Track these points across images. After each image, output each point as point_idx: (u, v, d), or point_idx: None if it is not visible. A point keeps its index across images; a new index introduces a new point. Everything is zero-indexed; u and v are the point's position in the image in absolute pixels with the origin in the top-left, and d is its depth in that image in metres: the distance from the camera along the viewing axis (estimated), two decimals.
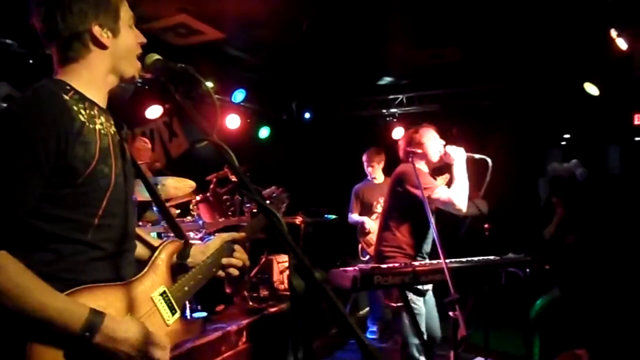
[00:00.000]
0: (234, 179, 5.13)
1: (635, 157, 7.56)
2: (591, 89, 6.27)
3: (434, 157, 3.48)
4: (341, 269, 3.04)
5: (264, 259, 5.73)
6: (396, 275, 2.95)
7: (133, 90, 5.38)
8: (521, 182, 8.06)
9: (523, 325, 4.39)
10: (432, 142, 3.51)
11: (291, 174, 7.83)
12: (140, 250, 1.65)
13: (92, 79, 1.46)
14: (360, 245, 5.68)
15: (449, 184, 3.46)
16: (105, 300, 1.34)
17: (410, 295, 3.37)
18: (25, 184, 1.26)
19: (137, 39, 1.55)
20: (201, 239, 4.57)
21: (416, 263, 3.25)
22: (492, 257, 3.39)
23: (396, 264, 3.16)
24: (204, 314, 4.26)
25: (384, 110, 8.06)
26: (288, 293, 5.11)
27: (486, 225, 4.17)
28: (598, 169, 7.91)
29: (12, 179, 1.25)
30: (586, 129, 7.68)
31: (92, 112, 1.42)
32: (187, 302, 4.09)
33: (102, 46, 1.46)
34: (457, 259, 3.21)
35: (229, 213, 5.26)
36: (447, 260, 2.80)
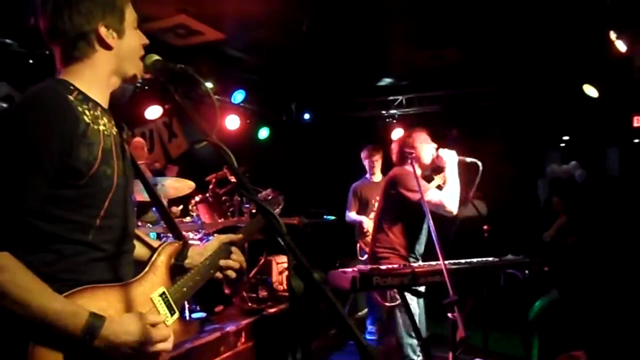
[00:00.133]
0: (233, 179, 5.13)
1: (634, 159, 7.57)
2: (590, 90, 6.28)
3: (427, 160, 3.55)
4: (340, 270, 3.05)
5: (262, 260, 5.72)
6: (395, 277, 2.95)
7: (132, 91, 5.38)
8: (520, 184, 8.07)
9: (522, 326, 4.40)
10: (425, 145, 3.58)
11: (290, 175, 7.83)
12: (140, 251, 1.65)
13: (96, 79, 1.46)
14: (358, 245, 5.68)
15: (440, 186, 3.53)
16: (106, 300, 1.34)
17: (407, 297, 3.38)
18: (29, 184, 1.26)
19: (140, 41, 1.55)
20: (200, 239, 4.57)
21: (415, 264, 3.26)
22: (491, 259, 3.40)
23: (395, 265, 3.17)
24: (203, 314, 4.25)
25: (384, 112, 8.06)
26: (287, 294, 5.15)
27: (485, 227, 4.17)
28: (597, 170, 7.92)
29: (15, 180, 1.25)
30: (585, 130, 7.69)
31: (96, 113, 1.42)
32: (186, 303, 4.09)
33: (108, 47, 1.46)
34: (456, 261, 3.22)
35: (228, 213, 5.25)
36: (446, 262, 2.80)
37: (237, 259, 1.78)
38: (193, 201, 5.09)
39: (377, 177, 5.72)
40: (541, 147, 8.35)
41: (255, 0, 4.72)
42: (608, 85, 6.24)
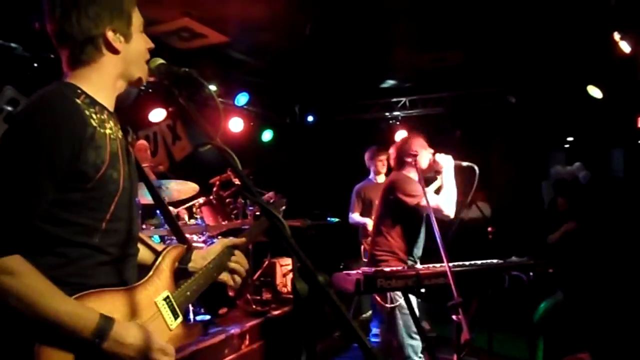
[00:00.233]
0: (237, 182, 5.14)
1: (639, 159, 7.54)
2: (594, 91, 6.26)
3: (425, 165, 3.62)
4: (344, 272, 3.05)
5: (266, 262, 5.73)
6: (399, 279, 2.95)
7: (137, 94, 5.40)
8: (524, 185, 8.05)
9: (527, 328, 4.38)
10: (423, 151, 3.64)
11: (294, 177, 7.84)
12: (144, 254, 1.65)
13: (102, 83, 1.47)
14: (362, 247, 5.68)
15: (437, 190, 3.62)
16: (112, 304, 1.35)
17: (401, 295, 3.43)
18: (38, 188, 1.27)
19: (146, 45, 1.56)
20: (204, 241, 4.58)
21: (420, 266, 3.27)
22: (495, 261, 3.39)
23: (399, 267, 3.18)
24: (207, 317, 4.26)
25: (387, 113, 8.06)
26: (291, 296, 5.14)
27: (489, 229, 4.17)
28: (601, 171, 7.89)
29: (25, 183, 1.25)
30: (589, 131, 7.66)
31: (103, 117, 1.43)
32: (190, 305, 4.09)
33: (115, 51, 1.46)
34: (460, 263, 3.22)
35: (232, 216, 5.26)
36: (450, 264, 2.80)
37: (240, 262, 1.79)
38: (197, 204, 5.10)
39: (382, 178, 5.72)
40: (545, 148, 8.33)
41: (259, 3, 4.73)
42: (612, 86, 6.22)
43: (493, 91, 7.25)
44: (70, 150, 1.29)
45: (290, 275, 5.69)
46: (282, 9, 4.82)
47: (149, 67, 1.55)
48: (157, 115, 6.02)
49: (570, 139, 8.45)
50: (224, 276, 1.78)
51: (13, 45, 4.41)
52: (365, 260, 5.53)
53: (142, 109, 5.83)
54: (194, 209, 5.11)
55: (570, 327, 4.04)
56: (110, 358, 1.29)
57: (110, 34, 1.44)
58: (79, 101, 1.36)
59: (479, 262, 3.34)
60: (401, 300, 3.43)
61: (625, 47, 4.98)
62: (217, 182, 5.32)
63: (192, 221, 4.97)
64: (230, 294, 4.90)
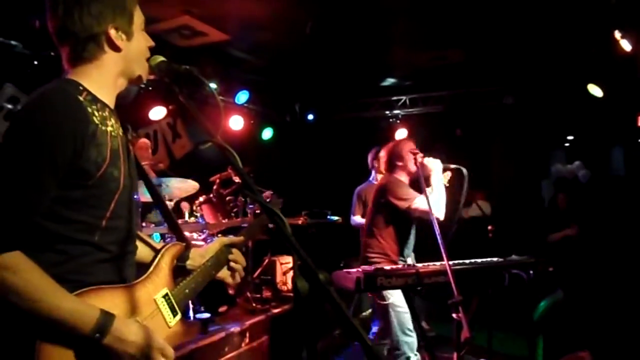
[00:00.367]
0: (237, 180, 5.14)
1: (639, 158, 7.53)
2: (595, 90, 6.26)
3: (414, 168, 3.69)
4: (345, 270, 3.06)
5: (267, 260, 5.73)
6: (400, 277, 2.96)
7: (137, 92, 5.39)
8: (524, 184, 8.06)
9: (527, 327, 4.39)
10: (412, 154, 3.71)
11: (294, 176, 7.84)
12: (142, 252, 1.65)
13: (103, 80, 1.47)
14: None
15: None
16: (111, 301, 1.35)
17: (396, 294, 3.49)
18: (40, 185, 1.27)
19: (146, 43, 1.56)
20: (204, 239, 4.58)
21: (419, 265, 3.27)
22: (495, 259, 3.39)
23: (399, 266, 3.18)
24: (207, 315, 4.26)
25: (387, 112, 8.05)
26: (291, 294, 5.13)
27: (489, 227, 4.18)
28: (602, 170, 7.89)
29: (27, 180, 1.25)
30: (590, 130, 7.66)
31: (104, 114, 1.43)
32: (190, 303, 4.09)
33: (117, 49, 1.46)
34: (460, 261, 3.22)
35: (232, 214, 5.26)
36: (451, 262, 2.80)
37: (238, 260, 1.81)
38: (197, 202, 5.10)
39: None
40: (545, 146, 8.33)
41: (259, 1, 4.73)
42: (613, 84, 6.22)
43: (493, 90, 7.24)
44: (72, 147, 1.29)
45: (291, 273, 5.69)
46: (282, 7, 4.82)
47: (150, 65, 1.55)
48: (158, 113, 6.02)
49: (570, 137, 8.46)
50: (223, 274, 1.79)
51: (13, 42, 4.41)
52: None
53: (142, 106, 5.83)
54: (194, 207, 5.11)
55: (570, 326, 4.05)
56: (110, 354, 1.29)
57: (112, 32, 1.44)
58: (81, 98, 1.36)
59: (479, 260, 3.34)
60: (393, 299, 3.51)
61: (626, 45, 4.98)
62: (218, 180, 5.32)
63: (192, 219, 4.97)
64: (231, 292, 4.90)
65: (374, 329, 5.72)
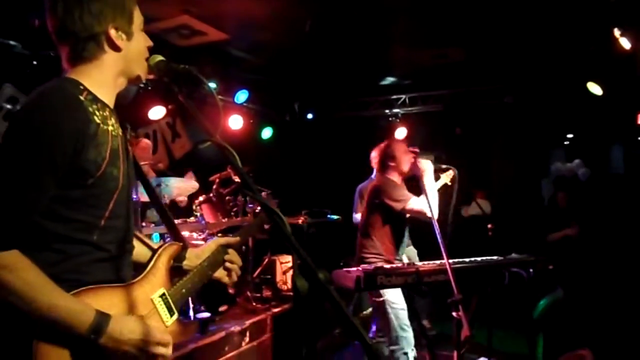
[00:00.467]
0: (237, 179, 5.13)
1: (638, 156, 7.54)
2: (594, 88, 6.25)
3: (406, 169, 3.78)
4: (344, 269, 3.06)
5: (267, 260, 5.73)
6: (400, 276, 2.96)
7: (136, 91, 5.39)
8: (524, 182, 8.06)
9: (526, 325, 4.39)
10: (404, 155, 3.79)
11: (294, 175, 7.84)
12: (139, 251, 1.66)
13: (103, 80, 1.47)
14: None
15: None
16: (109, 301, 1.36)
17: (391, 290, 3.52)
18: (40, 184, 1.27)
19: (145, 43, 1.57)
20: (204, 239, 4.57)
21: (420, 263, 3.28)
22: (495, 258, 3.40)
23: (399, 264, 3.19)
24: (207, 314, 4.26)
25: (387, 111, 8.04)
26: (291, 293, 5.13)
27: (489, 225, 4.18)
28: (601, 168, 7.90)
29: (26, 179, 1.26)
30: (589, 128, 7.67)
31: (105, 114, 1.43)
32: (190, 303, 4.10)
33: (117, 48, 1.46)
34: (460, 259, 3.23)
35: (232, 213, 5.26)
36: (451, 261, 2.81)
37: (234, 260, 1.83)
38: (197, 201, 5.10)
39: None
40: (545, 145, 8.34)
41: (258, 0, 4.72)
42: (612, 83, 6.22)
43: (493, 89, 7.24)
44: (72, 146, 1.29)
45: (291, 273, 5.69)
46: (281, 6, 4.81)
47: (149, 64, 1.55)
48: (157, 112, 6.01)
49: (570, 135, 8.46)
50: (219, 274, 1.81)
51: (12, 42, 4.40)
52: None
53: (141, 106, 5.82)
54: (194, 207, 5.11)
55: (570, 324, 4.05)
56: (107, 353, 1.30)
57: (112, 32, 1.44)
58: (82, 97, 1.37)
59: (479, 258, 3.35)
60: (388, 295, 3.56)
61: (626, 43, 4.98)
62: (217, 180, 5.32)
63: (192, 219, 4.97)
64: (231, 291, 4.90)
65: (374, 327, 5.74)
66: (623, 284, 4.68)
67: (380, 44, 5.96)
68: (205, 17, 5.04)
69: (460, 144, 7.57)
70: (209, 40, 5.62)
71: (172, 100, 5.83)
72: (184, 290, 1.63)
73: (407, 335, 3.53)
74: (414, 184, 3.70)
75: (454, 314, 2.61)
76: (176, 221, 4.90)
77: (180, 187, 4.74)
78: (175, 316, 1.55)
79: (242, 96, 7.02)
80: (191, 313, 4.09)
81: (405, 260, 4.16)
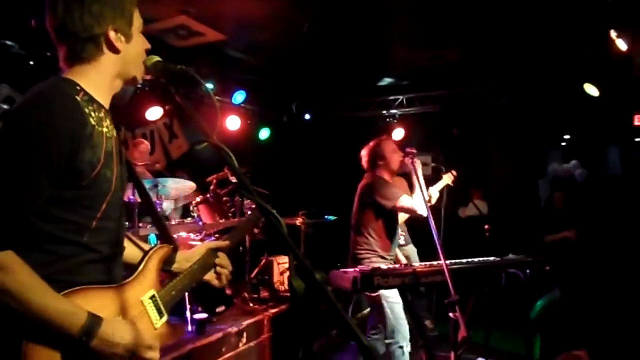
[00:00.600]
0: (234, 180, 5.12)
1: (635, 158, 7.56)
2: (591, 90, 6.27)
3: (396, 167, 3.88)
4: (342, 270, 3.07)
5: (264, 261, 5.72)
6: (397, 277, 2.97)
7: (133, 92, 5.38)
8: (521, 183, 8.07)
9: (524, 326, 4.39)
10: (394, 154, 3.87)
11: (291, 176, 7.84)
12: (130, 252, 1.66)
13: (101, 81, 1.46)
14: None
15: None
16: (99, 302, 1.36)
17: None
18: (36, 185, 1.27)
19: (144, 46, 1.56)
20: (202, 240, 4.57)
21: (417, 264, 3.29)
22: (492, 259, 3.41)
23: (397, 266, 3.19)
24: (205, 315, 4.25)
25: (385, 112, 8.06)
26: (288, 294, 5.12)
27: (486, 227, 4.19)
28: (598, 170, 7.91)
29: (23, 179, 1.25)
30: (586, 130, 7.68)
31: (100, 115, 1.43)
32: (188, 304, 4.09)
33: (116, 51, 1.46)
34: (458, 260, 3.23)
35: (230, 214, 5.26)
36: (448, 262, 2.81)
37: (225, 264, 1.84)
38: (194, 202, 5.09)
39: None
40: (542, 146, 8.35)
41: (256, 1, 4.72)
42: (609, 84, 6.23)
43: (491, 90, 7.25)
44: (69, 147, 1.29)
45: (288, 274, 5.68)
46: (279, 7, 4.82)
47: (146, 65, 1.55)
48: (154, 113, 6.00)
49: (567, 137, 8.47)
50: (209, 277, 1.83)
51: (9, 43, 4.39)
52: None
53: (138, 107, 5.81)
54: (191, 208, 5.10)
55: (567, 325, 4.06)
56: (98, 355, 1.30)
57: (112, 34, 1.44)
58: (78, 98, 1.36)
59: (476, 260, 3.36)
60: (383, 290, 3.54)
61: (622, 45, 4.99)
62: (215, 181, 5.31)
63: (190, 220, 4.96)
64: (228, 292, 4.90)
65: (369, 326, 5.74)
66: (620, 285, 4.69)
67: (378, 45, 5.96)
68: (203, 18, 5.04)
69: (458, 145, 7.58)
70: (206, 41, 5.62)
71: (169, 101, 5.73)
72: (174, 293, 1.64)
73: (403, 330, 3.57)
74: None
75: (451, 314, 2.62)
76: (173, 222, 4.92)
77: (177, 187, 4.73)
78: (165, 318, 1.56)
79: (239, 97, 7.02)
80: (188, 314, 4.09)
81: (402, 258, 4.23)
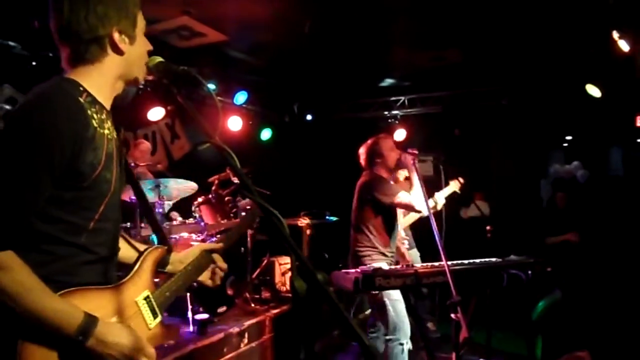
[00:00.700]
0: (236, 180, 5.12)
1: (637, 158, 7.55)
2: (593, 90, 6.26)
3: (393, 165, 3.95)
4: (343, 270, 3.07)
5: (265, 261, 5.72)
6: (398, 277, 2.96)
7: (135, 92, 5.39)
8: (523, 184, 8.06)
9: (525, 327, 4.39)
10: (391, 152, 3.93)
11: (293, 176, 7.84)
12: (125, 252, 1.67)
13: (103, 82, 1.46)
14: None
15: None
16: (95, 302, 1.36)
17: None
18: (37, 185, 1.27)
19: (146, 47, 1.57)
20: (203, 240, 4.57)
21: (418, 265, 3.29)
22: (494, 259, 3.41)
23: (398, 267, 3.19)
24: (206, 315, 4.25)
25: (386, 112, 8.05)
26: (290, 295, 5.12)
27: (488, 227, 4.18)
28: (600, 170, 7.90)
29: (24, 179, 1.25)
30: (588, 130, 7.67)
31: (102, 116, 1.43)
32: (189, 304, 4.09)
33: (119, 52, 1.46)
34: (459, 261, 3.23)
35: (231, 215, 5.26)
36: (449, 262, 2.81)
37: (219, 265, 1.86)
38: (196, 202, 5.09)
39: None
40: (544, 147, 8.33)
41: (258, 1, 4.73)
42: (611, 85, 6.23)
43: (492, 90, 7.25)
44: (70, 148, 1.29)
45: (289, 274, 5.69)
46: (281, 7, 4.82)
47: (148, 66, 1.55)
48: (156, 113, 6.01)
49: (569, 137, 8.46)
50: (202, 277, 1.84)
51: (11, 43, 4.40)
52: None
53: (140, 107, 5.82)
54: (193, 208, 5.10)
55: (568, 326, 4.05)
56: (93, 356, 1.30)
57: (116, 35, 1.43)
58: (81, 99, 1.36)
59: (477, 260, 3.35)
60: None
61: (624, 45, 4.98)
62: (216, 181, 5.32)
63: (191, 220, 4.96)
64: (229, 292, 4.90)
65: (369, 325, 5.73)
66: (621, 286, 4.68)
67: (380, 45, 5.97)
68: (204, 19, 5.04)
69: (459, 146, 7.58)
70: (208, 42, 5.63)
71: (171, 102, 5.78)
72: (168, 293, 1.64)
73: (404, 327, 3.58)
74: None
75: (452, 315, 2.62)
76: (175, 222, 4.92)
77: (179, 188, 4.74)
78: (159, 319, 1.56)
79: (241, 97, 7.02)
80: (190, 314, 4.09)
81: (406, 254, 4.33)
